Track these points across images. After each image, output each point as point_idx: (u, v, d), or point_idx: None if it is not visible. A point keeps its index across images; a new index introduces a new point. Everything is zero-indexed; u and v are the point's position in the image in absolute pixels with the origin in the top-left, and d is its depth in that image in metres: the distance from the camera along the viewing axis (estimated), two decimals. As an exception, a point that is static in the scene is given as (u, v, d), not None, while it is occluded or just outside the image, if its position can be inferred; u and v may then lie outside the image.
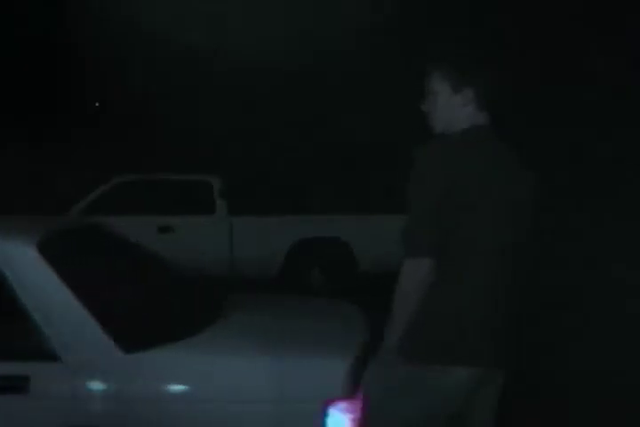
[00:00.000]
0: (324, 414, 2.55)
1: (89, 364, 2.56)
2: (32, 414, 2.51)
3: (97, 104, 13.22)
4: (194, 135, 10.66)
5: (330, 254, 8.38)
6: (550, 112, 11.12)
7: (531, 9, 11.06)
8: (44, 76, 12.32)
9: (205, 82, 10.84)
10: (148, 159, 10.43)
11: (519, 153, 2.36)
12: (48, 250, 2.77)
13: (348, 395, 2.59)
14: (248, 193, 8.92)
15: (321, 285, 8.44)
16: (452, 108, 2.34)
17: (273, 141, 10.35)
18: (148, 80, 10.77)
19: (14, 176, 11.23)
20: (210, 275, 8.36)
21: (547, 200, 10.79)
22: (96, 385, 2.53)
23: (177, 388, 2.54)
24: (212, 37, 10.46)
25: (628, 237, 9.98)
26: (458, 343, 2.19)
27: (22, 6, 12.22)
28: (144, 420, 2.51)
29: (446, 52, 2.38)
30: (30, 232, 2.90)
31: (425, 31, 10.91)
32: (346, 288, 8.43)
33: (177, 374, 2.56)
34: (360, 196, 9.06)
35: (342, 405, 2.57)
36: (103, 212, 8.28)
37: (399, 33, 10.76)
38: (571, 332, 6.79)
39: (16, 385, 2.52)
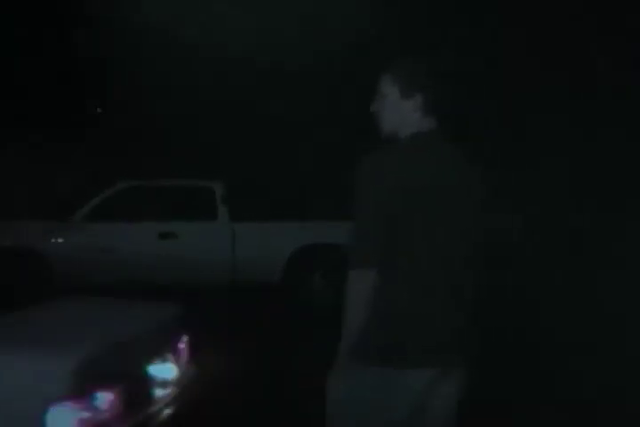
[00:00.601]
0: (44, 413, 2.50)
1: None
2: None
3: (99, 110, 13.24)
4: (196, 140, 10.68)
5: (331, 260, 8.25)
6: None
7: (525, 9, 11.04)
8: (45, 79, 12.33)
9: (208, 86, 10.86)
10: (150, 164, 10.43)
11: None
12: None
13: (75, 394, 2.53)
14: (250, 199, 8.89)
15: (322, 290, 8.42)
16: (400, 112, 2.39)
17: (275, 146, 10.36)
18: (151, 84, 10.78)
19: (17, 180, 11.25)
20: (211, 281, 8.35)
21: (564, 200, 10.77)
22: None
23: None
24: (215, 40, 10.45)
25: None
26: (410, 346, 2.23)
27: (25, 8, 12.21)
28: None
29: (399, 57, 2.45)
30: None
31: (425, 31, 10.90)
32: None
33: None
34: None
35: (67, 404, 2.51)
36: (105, 217, 8.28)
37: (399, 33, 10.77)
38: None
39: None
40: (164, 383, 3.36)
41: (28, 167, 11.33)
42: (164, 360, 3.42)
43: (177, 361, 3.62)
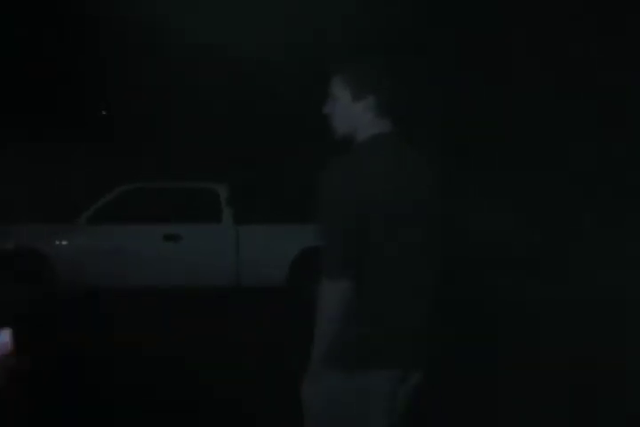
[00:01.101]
0: None
1: None
2: None
3: (104, 112, 13.26)
4: (201, 142, 10.67)
5: None
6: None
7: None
8: (49, 80, 12.35)
9: (211, 87, 10.86)
10: (155, 167, 10.44)
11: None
12: None
13: None
14: (254, 201, 8.92)
15: None
16: (352, 114, 2.39)
17: (279, 148, 10.35)
18: (154, 85, 10.80)
19: (21, 181, 11.26)
20: (216, 283, 8.37)
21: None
22: None
23: None
24: (220, 40, 10.45)
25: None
26: (385, 347, 2.28)
27: (26, 6, 12.24)
28: None
29: (349, 59, 2.45)
30: None
31: (424, 31, 10.90)
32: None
33: None
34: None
35: None
36: (110, 219, 8.30)
37: (398, 33, 10.76)
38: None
39: None
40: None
41: (31, 169, 11.34)
42: None
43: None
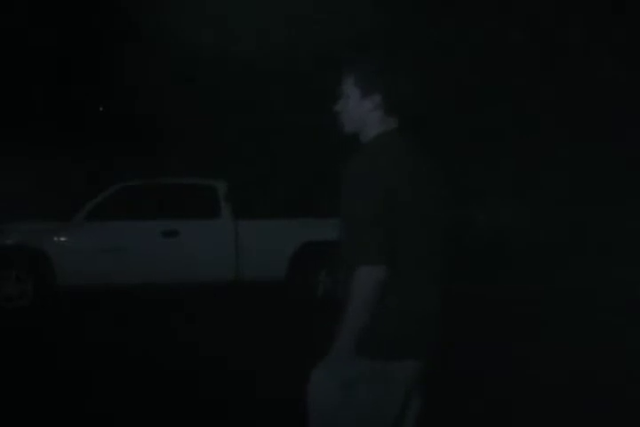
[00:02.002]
0: None
1: None
2: None
3: (101, 108, 13.28)
4: (199, 138, 10.68)
5: (337, 257, 8.23)
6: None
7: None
8: (45, 77, 12.33)
9: (208, 82, 10.86)
10: (153, 163, 10.44)
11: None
12: None
13: None
14: (253, 196, 8.95)
15: (327, 288, 8.35)
16: (361, 111, 2.46)
17: (277, 143, 10.36)
18: (152, 83, 10.79)
19: (18, 178, 11.24)
20: (215, 279, 8.32)
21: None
22: None
23: None
24: (216, 39, 10.43)
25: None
26: (412, 335, 2.35)
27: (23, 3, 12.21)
28: None
29: (357, 57, 2.56)
30: None
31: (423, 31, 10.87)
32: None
33: None
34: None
35: None
36: (107, 217, 8.24)
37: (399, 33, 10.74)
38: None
39: None
40: None
41: (30, 166, 11.32)
42: None
43: None
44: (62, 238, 8.28)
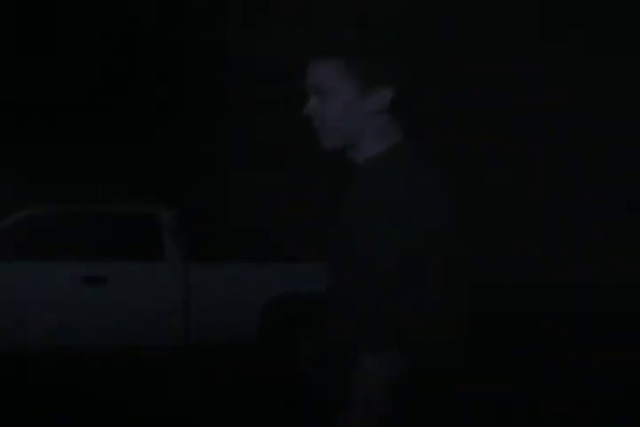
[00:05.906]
0: None
1: None
2: None
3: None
4: (137, 154, 9.47)
5: (316, 312, 7.11)
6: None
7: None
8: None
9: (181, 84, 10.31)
10: (73, 184, 9.02)
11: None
12: None
13: None
14: (208, 232, 7.80)
15: (309, 352, 7.19)
16: (358, 114, 1.83)
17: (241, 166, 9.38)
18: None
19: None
20: (157, 341, 6.90)
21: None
22: None
23: None
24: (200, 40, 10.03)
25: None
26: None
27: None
28: None
29: (354, 40, 1.79)
30: None
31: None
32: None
33: None
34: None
35: None
36: (7, 256, 6.66)
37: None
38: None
39: None
40: None
41: None
42: None
43: None
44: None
